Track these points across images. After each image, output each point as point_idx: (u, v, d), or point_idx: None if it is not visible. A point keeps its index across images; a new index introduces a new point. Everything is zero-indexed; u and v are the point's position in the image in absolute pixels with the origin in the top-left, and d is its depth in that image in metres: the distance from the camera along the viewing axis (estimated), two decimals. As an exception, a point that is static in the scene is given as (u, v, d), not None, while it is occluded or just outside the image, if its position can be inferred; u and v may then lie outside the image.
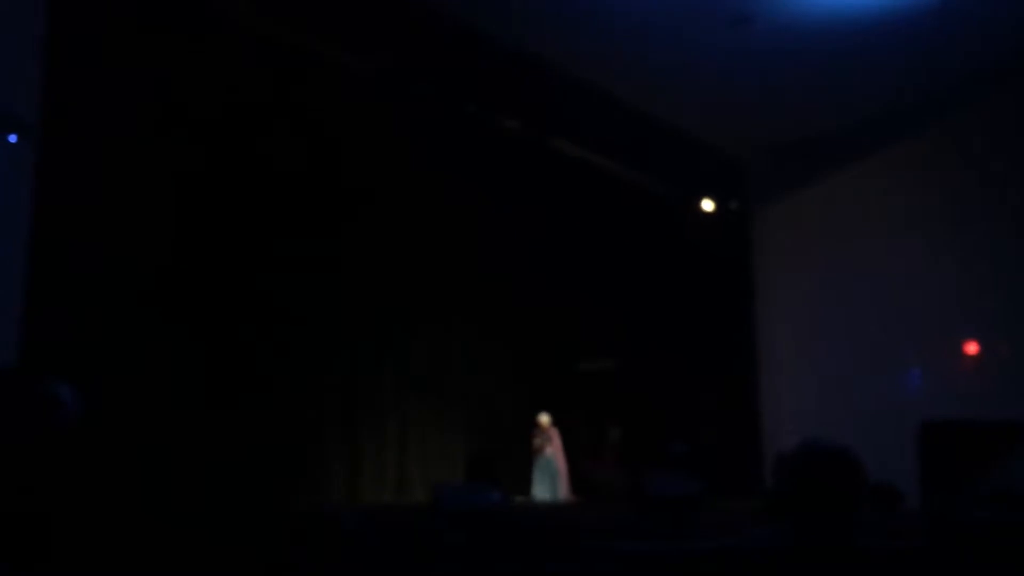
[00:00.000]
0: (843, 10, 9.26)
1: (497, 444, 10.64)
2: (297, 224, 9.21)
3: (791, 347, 12.64)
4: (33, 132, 6.44)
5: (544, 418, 10.96)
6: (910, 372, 11.23)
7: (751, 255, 13.39)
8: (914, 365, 11.23)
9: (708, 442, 11.47)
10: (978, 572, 2.80)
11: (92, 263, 7.13)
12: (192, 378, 7.82)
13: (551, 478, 10.78)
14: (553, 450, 10.89)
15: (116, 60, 7.35)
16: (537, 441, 10.86)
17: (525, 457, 10.93)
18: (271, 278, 8.89)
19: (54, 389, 1.61)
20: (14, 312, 6.36)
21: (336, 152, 9.52)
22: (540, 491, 10.72)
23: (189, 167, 8.13)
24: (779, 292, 12.97)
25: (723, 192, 12.93)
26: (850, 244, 12.07)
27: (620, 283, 12.33)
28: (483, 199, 10.85)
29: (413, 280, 10.45)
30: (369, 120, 9.58)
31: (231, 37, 8.28)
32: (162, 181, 7.88)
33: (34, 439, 1.53)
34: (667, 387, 12.31)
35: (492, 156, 10.58)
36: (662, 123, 11.79)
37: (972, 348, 10.88)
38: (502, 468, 10.19)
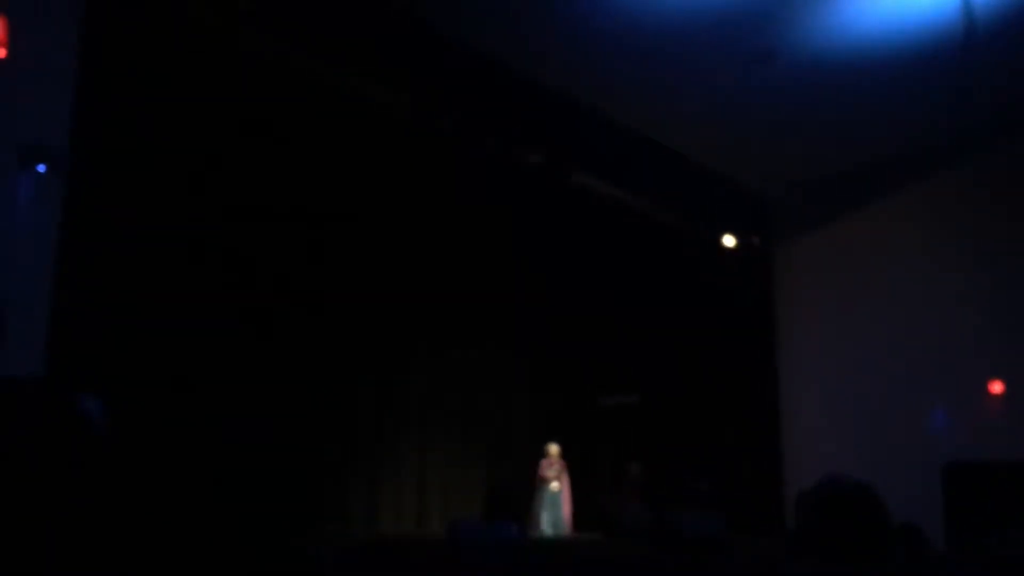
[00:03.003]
0: (867, 48, 9.28)
1: (517, 478, 10.56)
2: (322, 255, 9.28)
3: (813, 383, 12.54)
4: (63, 163, 6.57)
5: (554, 448, 10.84)
6: (935, 411, 11.09)
7: (773, 291, 13.34)
8: (938, 404, 11.10)
9: (730, 479, 11.37)
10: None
11: (119, 280, 7.22)
12: (213, 403, 7.85)
13: (558, 511, 10.63)
14: (561, 483, 10.75)
15: (147, 93, 7.49)
16: (550, 472, 10.72)
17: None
18: (294, 307, 8.93)
19: (82, 402, 1.62)
20: (41, 325, 6.46)
21: (359, 185, 9.59)
22: (546, 525, 10.56)
23: (213, 194, 8.24)
24: (801, 328, 12.90)
25: (745, 228, 12.91)
26: (872, 281, 12.00)
27: (642, 318, 12.31)
28: (505, 233, 10.89)
29: (434, 313, 10.47)
30: (394, 154, 9.66)
31: (260, 70, 8.41)
32: (187, 205, 7.99)
33: (60, 453, 1.54)
34: (688, 423, 12.22)
35: (515, 190, 10.64)
36: (685, 159, 11.82)
37: (997, 387, 10.75)
38: (521, 502, 10.13)
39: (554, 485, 10.68)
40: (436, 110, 9.53)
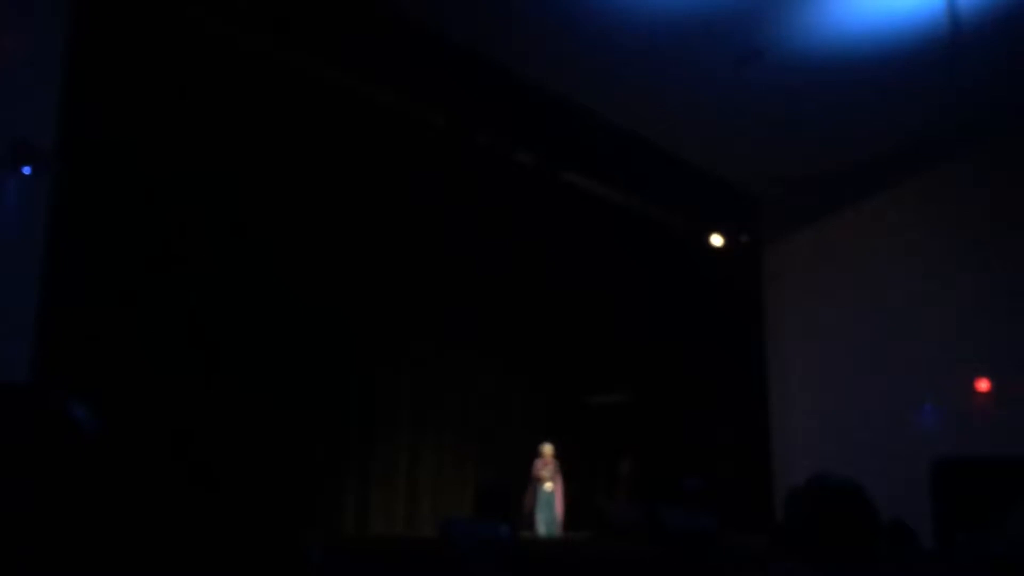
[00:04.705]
0: (856, 46, 9.30)
1: (509, 478, 10.55)
2: (310, 256, 9.25)
3: (802, 380, 12.57)
4: (48, 163, 6.52)
5: (547, 448, 10.83)
6: (923, 407, 11.13)
7: (762, 288, 13.36)
8: (926, 400, 11.13)
9: (720, 476, 11.38)
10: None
11: (107, 283, 7.18)
12: (203, 405, 7.82)
13: (551, 511, 10.62)
14: (554, 483, 10.74)
15: (135, 92, 7.46)
16: (544, 472, 10.71)
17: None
18: (285, 307, 8.91)
19: (71, 407, 1.60)
20: (28, 329, 6.42)
21: (354, 184, 9.57)
22: (540, 525, 10.54)
23: (204, 195, 8.21)
24: (790, 325, 12.92)
25: (735, 225, 12.93)
26: (861, 278, 12.04)
27: (633, 316, 12.32)
28: (495, 232, 10.88)
29: (425, 313, 10.46)
30: (390, 153, 9.64)
31: (253, 69, 8.36)
32: (176, 206, 7.95)
33: (49, 459, 1.53)
34: (678, 421, 12.24)
35: (506, 189, 10.64)
36: (674, 156, 11.82)
37: (984, 384, 10.79)
38: (512, 502, 10.12)
39: (547, 485, 10.67)
40: (428, 108, 9.51)
